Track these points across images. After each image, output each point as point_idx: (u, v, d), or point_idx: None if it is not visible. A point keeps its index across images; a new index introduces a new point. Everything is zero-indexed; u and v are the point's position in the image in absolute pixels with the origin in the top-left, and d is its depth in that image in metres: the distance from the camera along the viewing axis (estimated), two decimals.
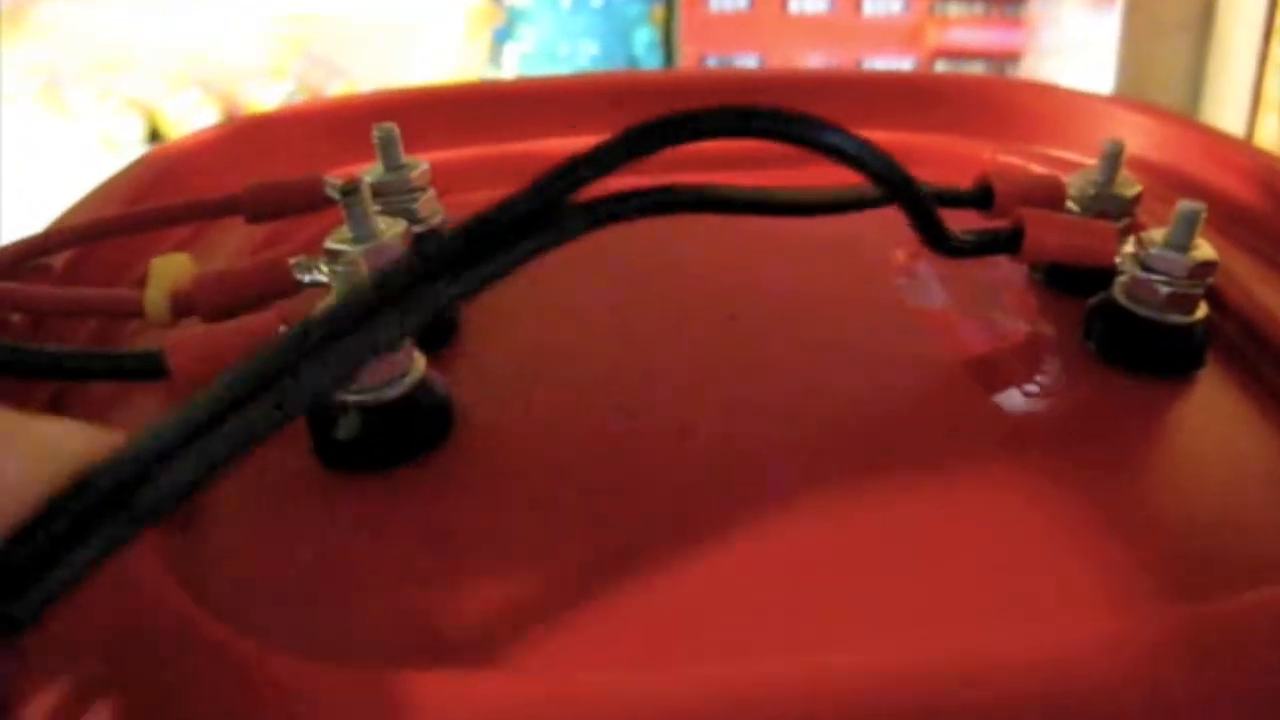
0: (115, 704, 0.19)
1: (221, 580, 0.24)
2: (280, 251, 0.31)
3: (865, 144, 0.27)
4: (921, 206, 0.30)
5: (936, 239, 0.31)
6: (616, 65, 2.58)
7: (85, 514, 0.17)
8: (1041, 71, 2.28)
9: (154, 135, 2.60)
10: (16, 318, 0.32)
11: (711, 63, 2.63)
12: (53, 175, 2.10)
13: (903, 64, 2.69)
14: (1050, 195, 0.37)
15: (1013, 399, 0.31)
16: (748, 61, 2.64)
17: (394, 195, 0.35)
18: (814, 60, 2.66)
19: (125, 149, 2.54)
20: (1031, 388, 0.32)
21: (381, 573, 0.24)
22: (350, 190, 0.29)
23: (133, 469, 0.17)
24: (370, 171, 0.36)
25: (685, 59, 2.65)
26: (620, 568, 0.24)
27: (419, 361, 0.28)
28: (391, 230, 0.30)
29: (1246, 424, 0.31)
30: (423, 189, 0.36)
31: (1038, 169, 0.47)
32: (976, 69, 2.67)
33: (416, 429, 0.28)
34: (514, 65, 2.60)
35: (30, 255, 0.34)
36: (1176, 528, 0.26)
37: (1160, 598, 0.24)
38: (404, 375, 0.27)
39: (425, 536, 0.25)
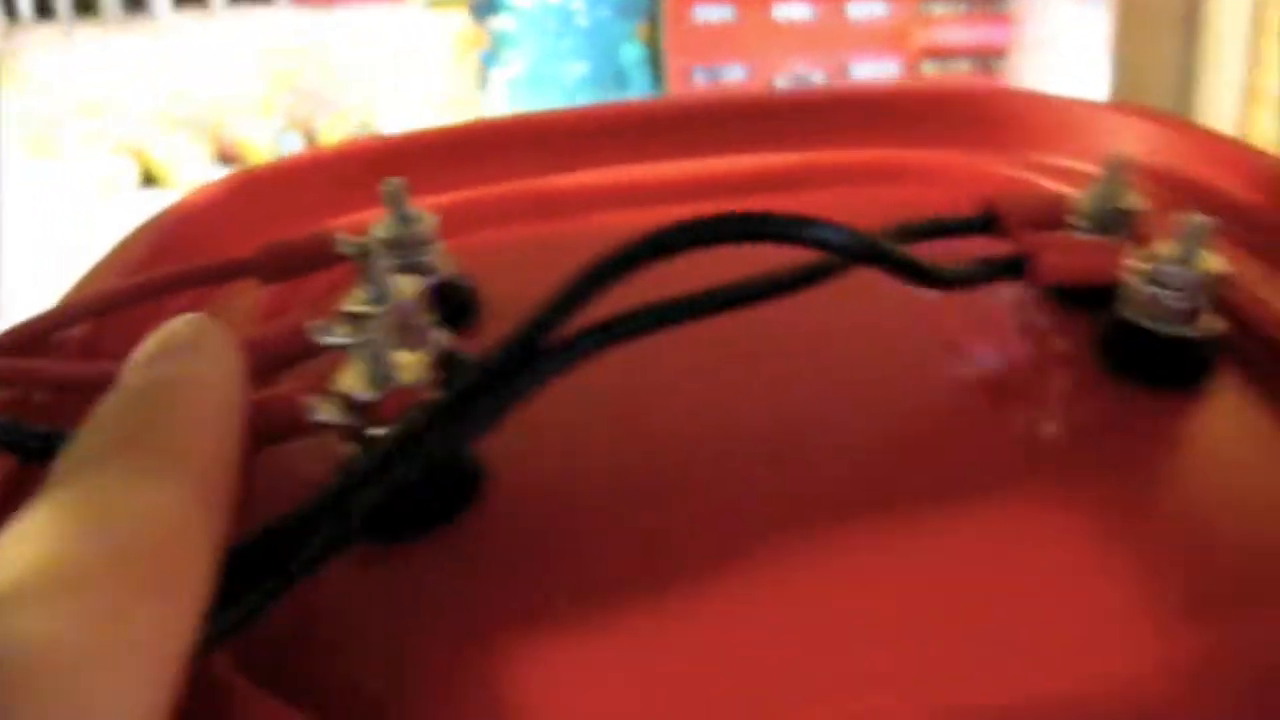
0: None
1: (263, 649, 0.24)
2: (297, 316, 0.31)
3: (842, 231, 0.29)
4: (902, 263, 0.31)
5: (928, 280, 0.32)
6: (605, 83, 2.58)
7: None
8: (1029, 66, 2.29)
9: (148, 177, 2.61)
10: (39, 396, 0.32)
11: (699, 74, 2.63)
12: (49, 222, 2.11)
13: (888, 66, 2.70)
14: (1053, 214, 0.37)
15: (1028, 421, 0.32)
16: (734, 71, 2.64)
17: (405, 249, 0.36)
18: (800, 66, 2.67)
19: (120, 191, 2.55)
20: (1047, 407, 0.32)
21: (418, 638, 0.25)
22: (364, 253, 0.30)
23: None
24: (380, 226, 0.36)
25: (673, 72, 2.65)
26: (652, 623, 0.25)
27: None
28: (408, 289, 0.30)
29: (1260, 433, 0.31)
30: (433, 240, 0.36)
31: (1046, 185, 0.47)
32: (963, 67, 2.68)
33: (447, 494, 0.28)
34: (502, 90, 2.61)
35: (49, 330, 0.34)
36: (1204, 544, 0.26)
37: (1194, 619, 0.24)
38: None
39: (459, 600, 0.26)
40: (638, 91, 2.63)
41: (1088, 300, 0.35)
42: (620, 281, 0.26)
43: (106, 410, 0.21)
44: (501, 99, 2.60)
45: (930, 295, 0.37)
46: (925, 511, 0.28)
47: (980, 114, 0.53)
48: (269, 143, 2.59)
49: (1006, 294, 0.38)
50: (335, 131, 2.60)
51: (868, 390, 0.34)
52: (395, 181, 0.36)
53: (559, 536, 0.27)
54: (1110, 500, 0.28)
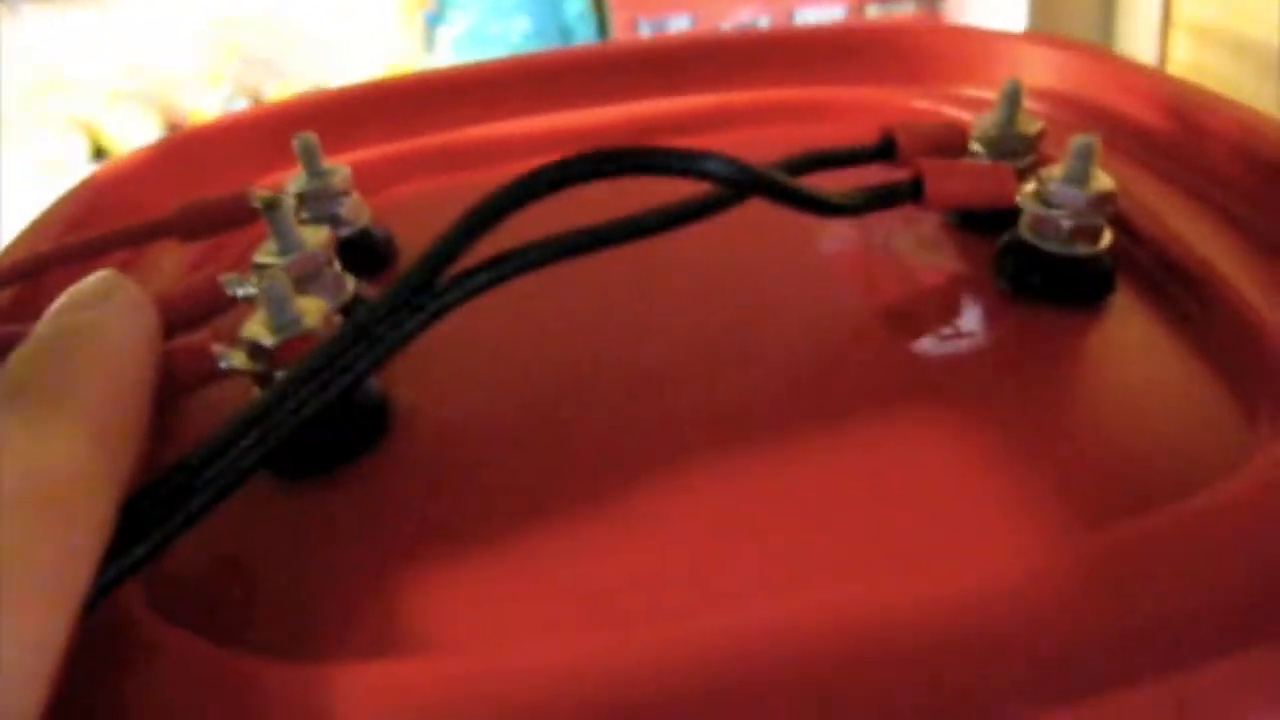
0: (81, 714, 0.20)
1: (173, 586, 0.25)
2: (211, 270, 0.31)
3: (732, 163, 0.29)
4: (794, 193, 0.31)
5: (820, 209, 0.32)
6: (549, 38, 2.57)
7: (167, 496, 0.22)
8: (968, 6, 2.29)
9: (98, 153, 2.59)
10: None
11: (644, 25, 2.63)
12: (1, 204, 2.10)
13: (834, 11, 2.69)
14: (952, 141, 0.38)
15: (930, 342, 0.32)
16: (680, 22, 2.64)
17: (319, 202, 0.36)
18: (744, 15, 2.66)
19: (71, 170, 2.53)
20: (947, 329, 0.33)
21: (326, 570, 0.25)
22: (271, 204, 0.30)
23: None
24: (294, 180, 0.37)
25: (617, 24, 2.64)
26: (558, 545, 0.26)
27: None
28: (315, 239, 0.31)
29: (1158, 347, 0.32)
30: (346, 193, 0.37)
31: (949, 113, 0.48)
32: (908, 9, 2.68)
33: (356, 430, 0.29)
34: (447, 49, 2.60)
35: None
36: (1093, 454, 0.27)
37: (1073, 527, 0.25)
38: None
39: (368, 533, 0.26)
40: (583, 44, 2.62)
41: (988, 225, 0.36)
42: (512, 216, 0.27)
43: (15, 358, 0.22)
44: (447, 58, 2.59)
45: (831, 226, 0.38)
46: (822, 429, 0.29)
47: (899, 49, 0.54)
48: (218, 111, 2.58)
49: (907, 222, 0.39)
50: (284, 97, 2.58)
51: (765, 317, 0.34)
52: (307, 136, 0.37)
53: (463, 470, 0.28)
54: (1006, 416, 0.29)
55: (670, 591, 0.24)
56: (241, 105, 2.61)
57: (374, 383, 0.30)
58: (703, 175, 0.29)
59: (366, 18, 2.89)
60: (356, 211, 0.37)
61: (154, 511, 0.22)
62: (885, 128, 0.38)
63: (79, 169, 2.52)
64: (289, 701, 0.20)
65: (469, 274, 0.27)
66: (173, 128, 2.63)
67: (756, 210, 0.32)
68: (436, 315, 0.26)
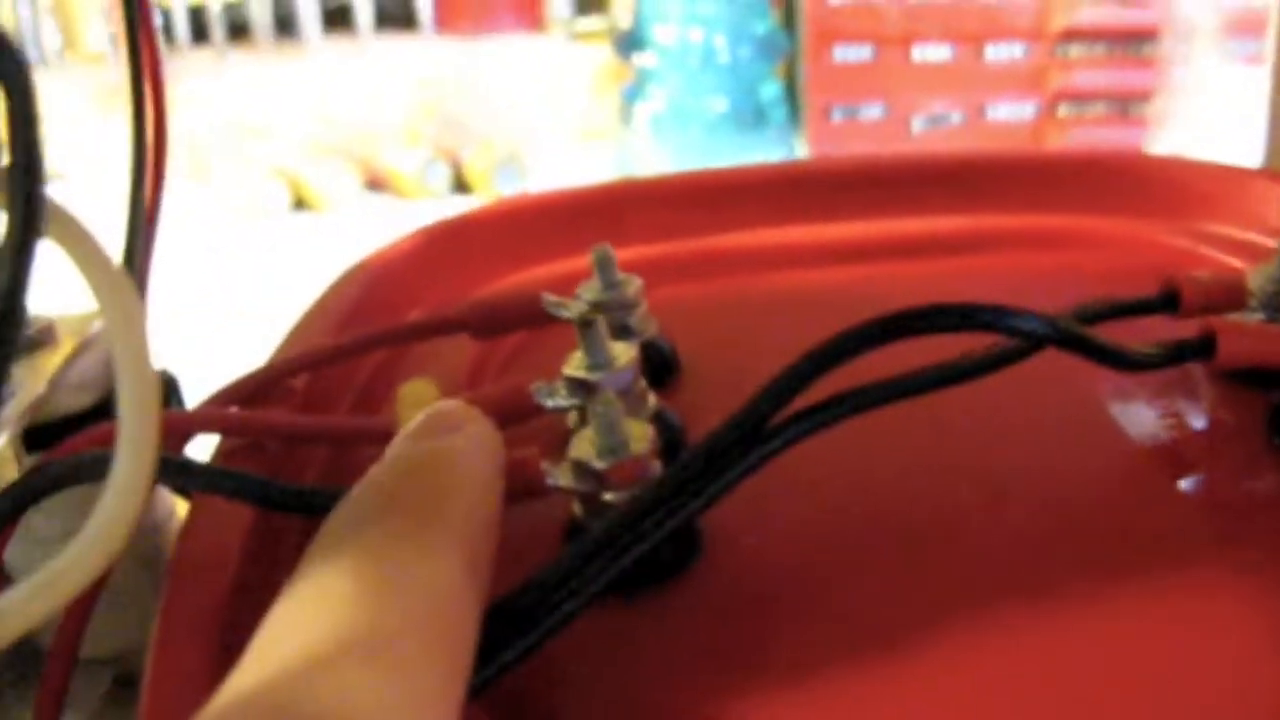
0: None
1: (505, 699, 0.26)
2: (520, 379, 0.33)
3: (1038, 318, 0.30)
4: (1094, 347, 0.32)
5: (1117, 363, 0.33)
6: (744, 120, 2.60)
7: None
8: (1173, 112, 2.26)
9: (299, 202, 2.67)
10: (272, 445, 0.34)
11: (837, 112, 2.64)
12: (202, 245, 2.16)
13: (1025, 108, 2.68)
14: (1233, 295, 0.38)
15: (1204, 498, 0.33)
16: (873, 110, 2.65)
17: (612, 312, 0.37)
18: (937, 106, 2.67)
19: (273, 216, 2.60)
20: (1222, 485, 0.33)
21: (645, 689, 0.26)
22: (588, 322, 0.31)
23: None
24: (587, 288, 0.38)
25: (812, 110, 2.66)
26: (870, 675, 0.26)
27: None
28: (625, 356, 0.32)
29: None
30: (637, 304, 0.38)
31: (1209, 254, 0.48)
32: (1099, 110, 2.66)
33: (668, 551, 0.30)
34: (644, 124, 2.64)
35: (270, 383, 0.37)
36: None
37: None
38: None
39: (688, 656, 0.27)
40: (776, 129, 2.64)
41: (1259, 381, 0.36)
42: (837, 368, 0.28)
43: (378, 478, 0.23)
44: (644, 133, 2.63)
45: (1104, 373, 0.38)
46: (1101, 587, 0.29)
47: (1139, 180, 0.54)
48: (416, 171, 2.64)
49: (1178, 372, 0.39)
50: (481, 161, 2.64)
51: (1049, 467, 0.34)
52: (603, 248, 0.38)
53: (771, 599, 0.29)
54: None
55: None
56: (439, 167, 2.67)
57: None
58: (1015, 332, 0.30)
59: (562, 88, 2.94)
60: (645, 323, 0.38)
61: (501, 629, 0.23)
62: (1169, 279, 0.38)
63: (279, 214, 2.60)
64: None
65: (804, 415, 0.28)
66: (371, 183, 2.70)
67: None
68: (767, 458, 0.27)
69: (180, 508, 0.49)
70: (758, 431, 0.27)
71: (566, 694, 0.26)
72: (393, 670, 0.19)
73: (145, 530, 0.47)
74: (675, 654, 0.27)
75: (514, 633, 0.24)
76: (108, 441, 0.31)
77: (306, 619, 0.20)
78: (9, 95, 0.22)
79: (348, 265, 0.47)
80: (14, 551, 0.31)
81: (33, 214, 0.20)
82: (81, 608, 0.31)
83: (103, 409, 0.44)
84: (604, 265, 0.37)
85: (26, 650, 0.46)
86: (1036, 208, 0.53)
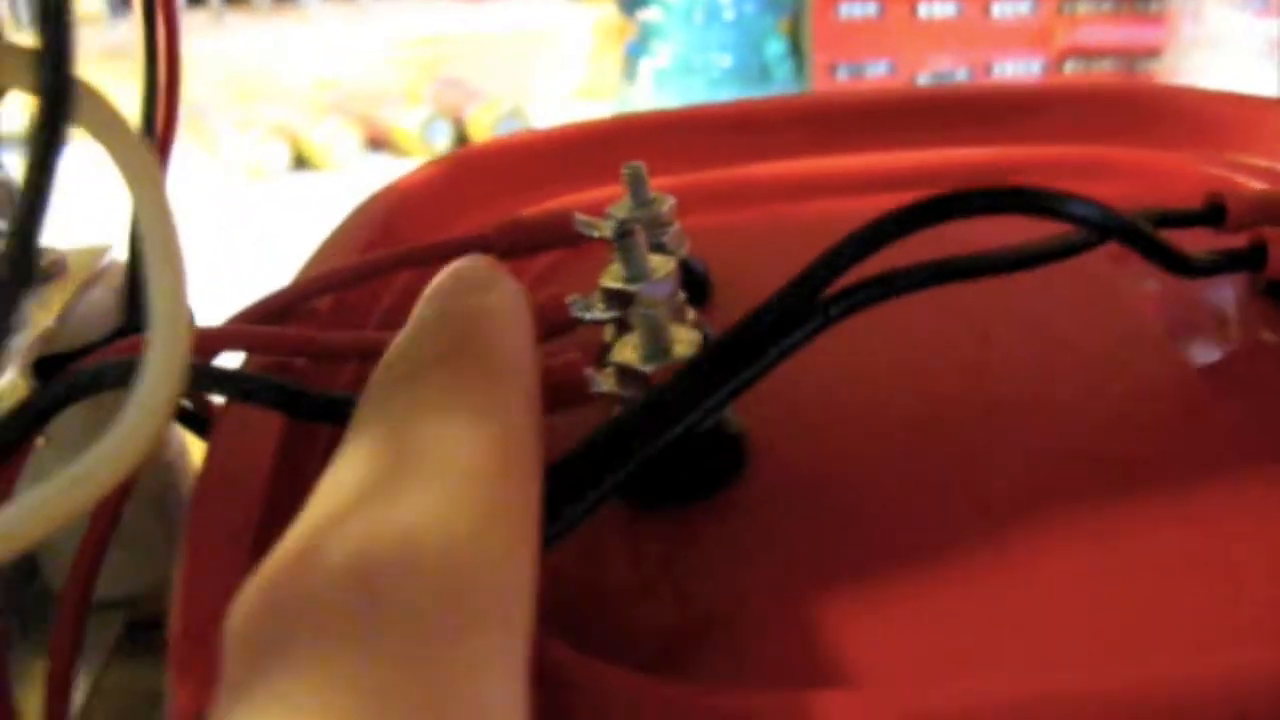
0: None
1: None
2: (555, 291, 0.32)
3: (1100, 207, 0.29)
4: (1156, 244, 0.31)
5: (1175, 265, 0.32)
6: (749, 76, 2.59)
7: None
8: (1184, 68, 2.25)
9: (300, 161, 2.65)
10: (300, 362, 0.33)
11: (842, 70, 2.63)
12: (202, 206, 2.15)
13: (1031, 65, 2.67)
14: (1277, 211, 0.37)
15: (1246, 410, 0.32)
16: (878, 68, 2.63)
17: (645, 229, 0.36)
18: (943, 64, 2.65)
19: (273, 176, 2.59)
20: (1263, 402, 0.33)
21: (714, 598, 0.26)
22: (627, 232, 0.30)
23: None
24: (619, 207, 0.37)
25: (816, 67, 2.65)
26: (932, 581, 0.26)
27: None
28: (664, 268, 0.31)
29: None
30: (670, 223, 0.37)
31: (1253, 185, 0.47)
32: (1106, 67, 2.64)
33: (717, 462, 0.29)
34: (648, 80, 2.62)
35: (293, 303, 0.36)
36: None
37: None
38: None
39: (746, 563, 0.26)
40: (781, 86, 2.63)
41: None
42: (887, 245, 0.27)
43: (417, 333, 0.22)
44: (648, 89, 2.61)
45: (1147, 282, 0.38)
46: (1144, 500, 0.28)
47: (1170, 110, 0.53)
48: (418, 129, 2.62)
49: (1217, 285, 0.38)
50: (483, 120, 2.62)
51: (1092, 371, 0.34)
52: (635, 165, 0.36)
53: (828, 505, 0.28)
54: None
55: (1026, 640, 0.24)
56: (442, 125, 2.65)
57: (734, 415, 0.30)
58: (1076, 219, 0.29)
59: (564, 45, 2.93)
60: (679, 240, 0.37)
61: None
62: (1212, 192, 0.37)
63: (280, 174, 2.58)
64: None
65: (853, 290, 0.27)
66: (372, 141, 2.69)
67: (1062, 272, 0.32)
68: (821, 328, 0.27)
69: (194, 449, 0.48)
70: (811, 302, 0.26)
71: (621, 605, 0.26)
72: (486, 493, 0.18)
73: (157, 469, 0.46)
74: (727, 566, 0.27)
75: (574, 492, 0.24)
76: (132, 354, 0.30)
77: (374, 456, 0.18)
78: None
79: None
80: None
81: (62, 95, 0.19)
82: (95, 545, 0.30)
83: (115, 338, 0.43)
84: (636, 183, 0.36)
85: (35, 592, 0.46)
86: (1068, 138, 0.52)
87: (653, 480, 0.28)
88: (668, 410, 0.25)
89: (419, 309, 0.22)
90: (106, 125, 0.21)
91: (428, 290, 0.23)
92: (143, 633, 0.47)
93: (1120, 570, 0.26)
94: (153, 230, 0.21)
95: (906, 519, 0.28)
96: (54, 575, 0.45)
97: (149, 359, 0.20)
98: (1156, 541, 0.27)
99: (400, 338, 0.22)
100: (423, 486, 0.17)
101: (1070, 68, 2.65)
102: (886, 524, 0.28)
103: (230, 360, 0.33)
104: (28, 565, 0.45)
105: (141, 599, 0.46)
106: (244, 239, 2.02)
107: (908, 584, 0.25)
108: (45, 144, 0.19)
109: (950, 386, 0.33)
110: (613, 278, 0.31)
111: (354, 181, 2.51)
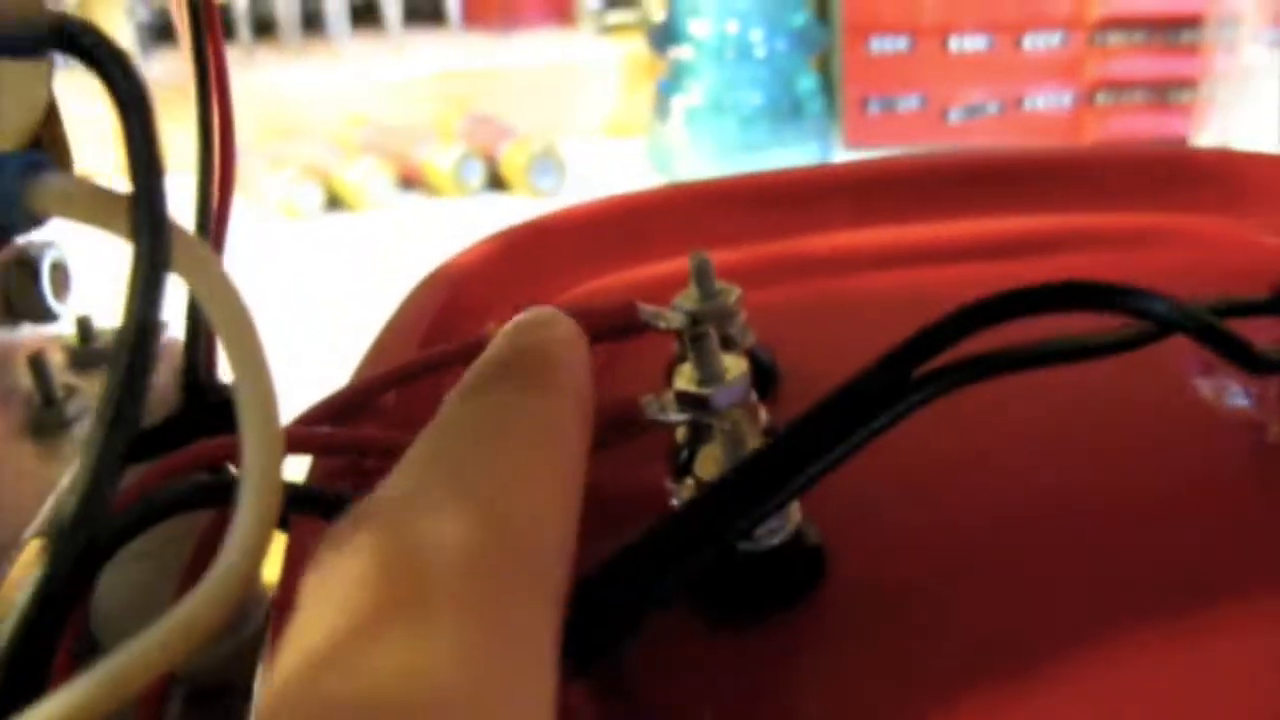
0: None
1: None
2: (633, 391, 0.32)
3: (1173, 303, 0.29)
4: (1228, 340, 0.31)
5: (1247, 362, 0.32)
6: (780, 112, 2.59)
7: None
8: (1219, 99, 2.24)
9: (333, 201, 2.66)
10: (370, 462, 0.33)
11: (874, 104, 2.63)
12: (238, 247, 2.14)
13: (1063, 97, 2.67)
14: None
15: None
16: (909, 102, 2.64)
17: (711, 322, 0.36)
18: (975, 96, 2.65)
19: (307, 216, 2.60)
20: None
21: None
22: (701, 335, 0.30)
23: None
24: (685, 297, 0.36)
25: (848, 102, 2.65)
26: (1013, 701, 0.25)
27: (794, 510, 0.29)
28: (736, 369, 0.31)
29: None
30: (736, 313, 0.37)
31: None
32: (1136, 99, 2.64)
33: (793, 575, 0.29)
34: (680, 118, 2.63)
35: (360, 400, 0.36)
36: None
37: None
38: (783, 524, 0.28)
39: (811, 679, 0.26)
40: (813, 121, 2.63)
41: None
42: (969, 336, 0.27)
43: (487, 357, 0.25)
44: (680, 126, 2.62)
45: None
46: (1233, 601, 0.28)
47: (1227, 177, 0.53)
48: (451, 168, 2.63)
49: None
50: (517, 159, 2.63)
51: (1161, 464, 0.34)
52: (701, 256, 0.36)
53: (906, 620, 0.28)
54: None
55: None
56: (474, 164, 2.66)
57: (813, 528, 0.29)
58: (1146, 316, 0.29)
59: (593, 81, 2.94)
60: (745, 333, 0.37)
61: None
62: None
63: (314, 215, 2.59)
64: None
65: (948, 370, 0.26)
66: (407, 180, 2.69)
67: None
68: (917, 406, 0.26)
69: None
70: (904, 380, 0.26)
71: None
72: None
73: None
74: (806, 681, 0.26)
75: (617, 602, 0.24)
76: (215, 458, 0.31)
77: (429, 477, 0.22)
78: (125, 118, 0.21)
79: (423, 274, 0.46)
80: None
81: (161, 245, 0.19)
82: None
83: (175, 422, 0.43)
84: (702, 274, 0.36)
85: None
86: (1126, 206, 0.52)
87: (727, 593, 0.28)
88: (758, 483, 0.25)
89: (491, 344, 0.25)
90: (199, 266, 0.21)
91: (499, 333, 0.26)
92: (202, 703, 0.47)
93: (1222, 680, 0.25)
94: (245, 376, 0.21)
95: (992, 632, 0.27)
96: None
97: (243, 505, 0.21)
98: (1260, 647, 0.26)
99: (473, 364, 0.25)
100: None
101: (1101, 100, 2.65)
102: (970, 638, 0.27)
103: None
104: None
105: (203, 671, 0.46)
106: (284, 281, 2.03)
107: (995, 705, 0.25)
108: (145, 300, 0.19)
109: (1024, 479, 0.33)
110: (686, 379, 0.31)
111: (390, 221, 2.52)
